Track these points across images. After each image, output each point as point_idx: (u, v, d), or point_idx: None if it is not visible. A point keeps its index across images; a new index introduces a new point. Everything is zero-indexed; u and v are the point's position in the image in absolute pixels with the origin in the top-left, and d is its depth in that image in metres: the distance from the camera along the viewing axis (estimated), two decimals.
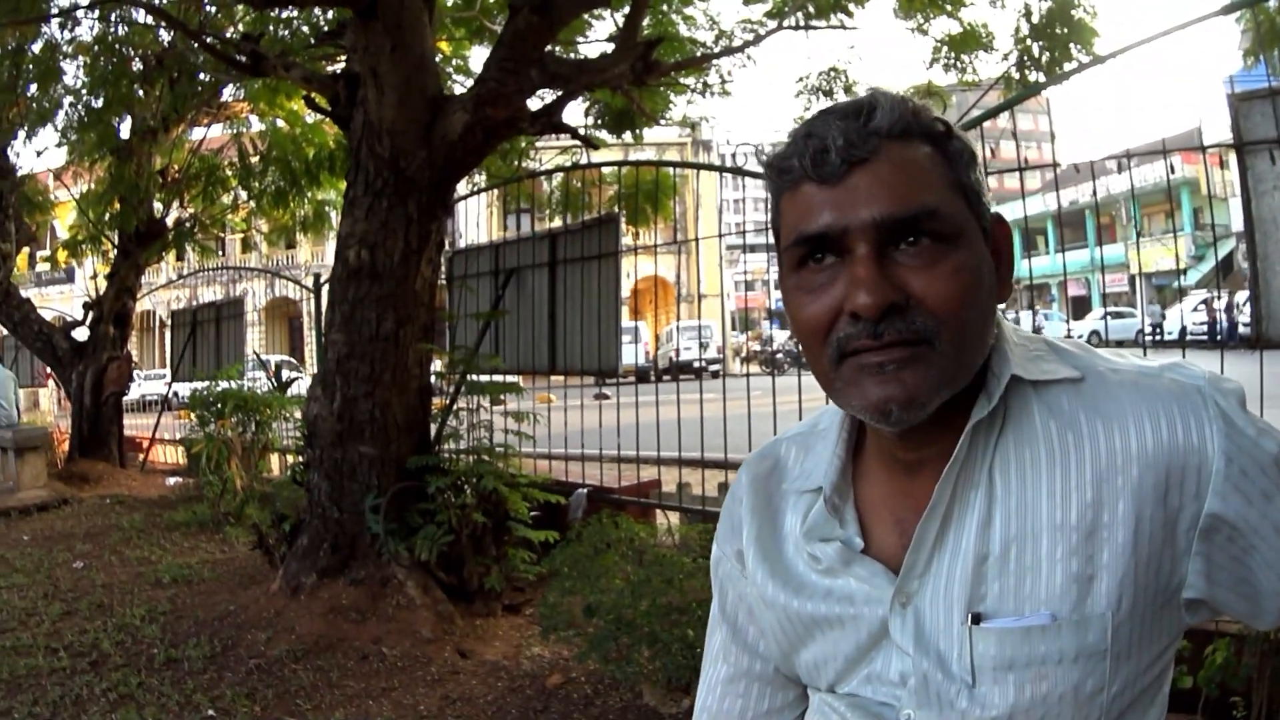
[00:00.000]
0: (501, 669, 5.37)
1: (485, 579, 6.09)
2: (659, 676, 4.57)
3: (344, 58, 7.36)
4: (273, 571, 6.61)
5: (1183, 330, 19.53)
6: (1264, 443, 1.08)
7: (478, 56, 12.49)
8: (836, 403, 1.16)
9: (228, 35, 9.25)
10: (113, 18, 10.18)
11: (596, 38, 9.82)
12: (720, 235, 12.57)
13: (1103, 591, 1.07)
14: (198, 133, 13.51)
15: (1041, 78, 8.17)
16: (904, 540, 1.16)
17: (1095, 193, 5.23)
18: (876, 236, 1.05)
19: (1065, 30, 8.04)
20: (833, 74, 9.70)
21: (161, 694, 5.03)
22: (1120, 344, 25.41)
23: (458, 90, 9.16)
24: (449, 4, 9.37)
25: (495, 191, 10.84)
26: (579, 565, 5.12)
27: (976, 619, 1.11)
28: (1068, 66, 8.03)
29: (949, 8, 8.72)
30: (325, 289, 10.85)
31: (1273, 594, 1.10)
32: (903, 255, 1.06)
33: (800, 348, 1.15)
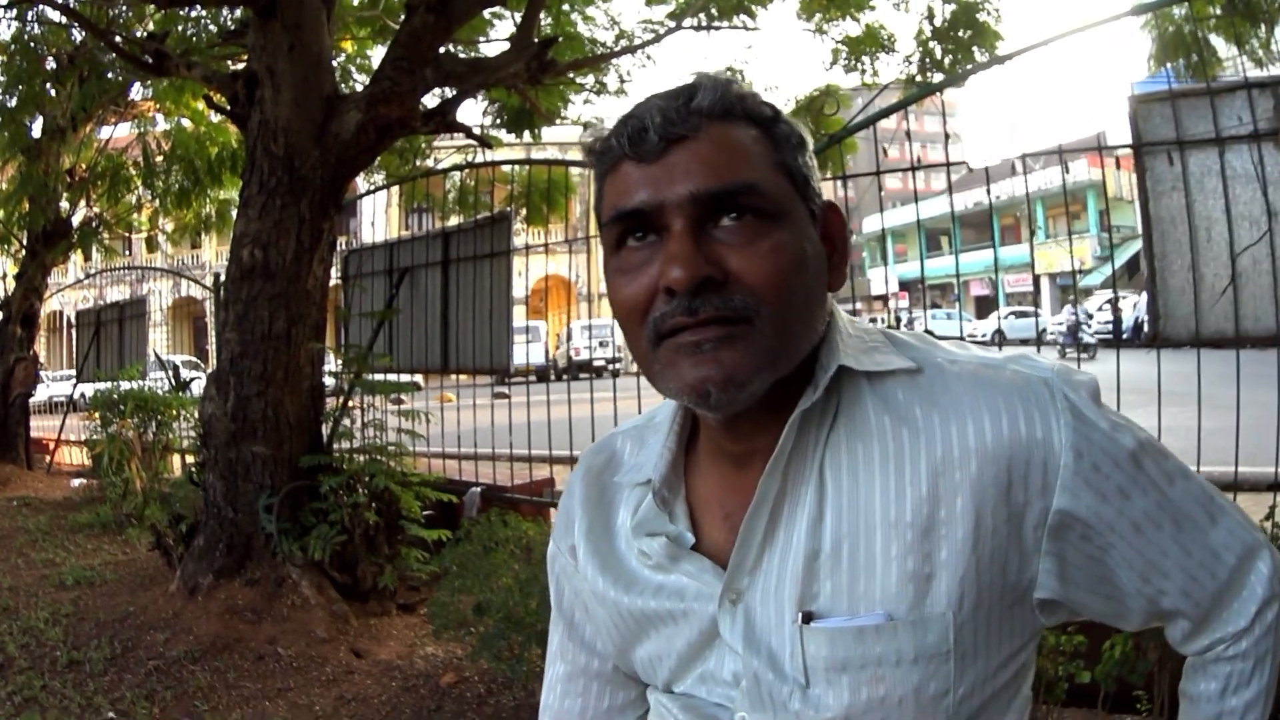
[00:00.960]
0: (395, 668, 5.38)
1: (378, 578, 6.10)
2: None
3: (246, 57, 7.31)
4: (171, 572, 6.55)
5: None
6: (1119, 437, 1.06)
7: (380, 56, 12.50)
8: (656, 388, 1.10)
9: (137, 34, 9.16)
10: (30, 16, 10.07)
11: (498, 36, 9.84)
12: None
13: (942, 590, 1.04)
14: (105, 131, 13.35)
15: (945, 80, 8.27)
16: (734, 536, 1.12)
17: (990, 194, 5.32)
18: (693, 211, 1.02)
19: (968, 33, 8.14)
20: (730, 74, 9.74)
21: (64, 696, 5.03)
22: (1024, 342, 25.85)
23: (360, 90, 9.13)
24: (353, 3, 9.33)
25: (396, 190, 10.76)
26: (468, 564, 5.12)
27: (808, 618, 1.07)
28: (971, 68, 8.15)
29: (851, 9, 8.79)
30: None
31: (1135, 594, 1.10)
32: (722, 232, 1.03)
33: (622, 331, 1.10)
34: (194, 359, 25.12)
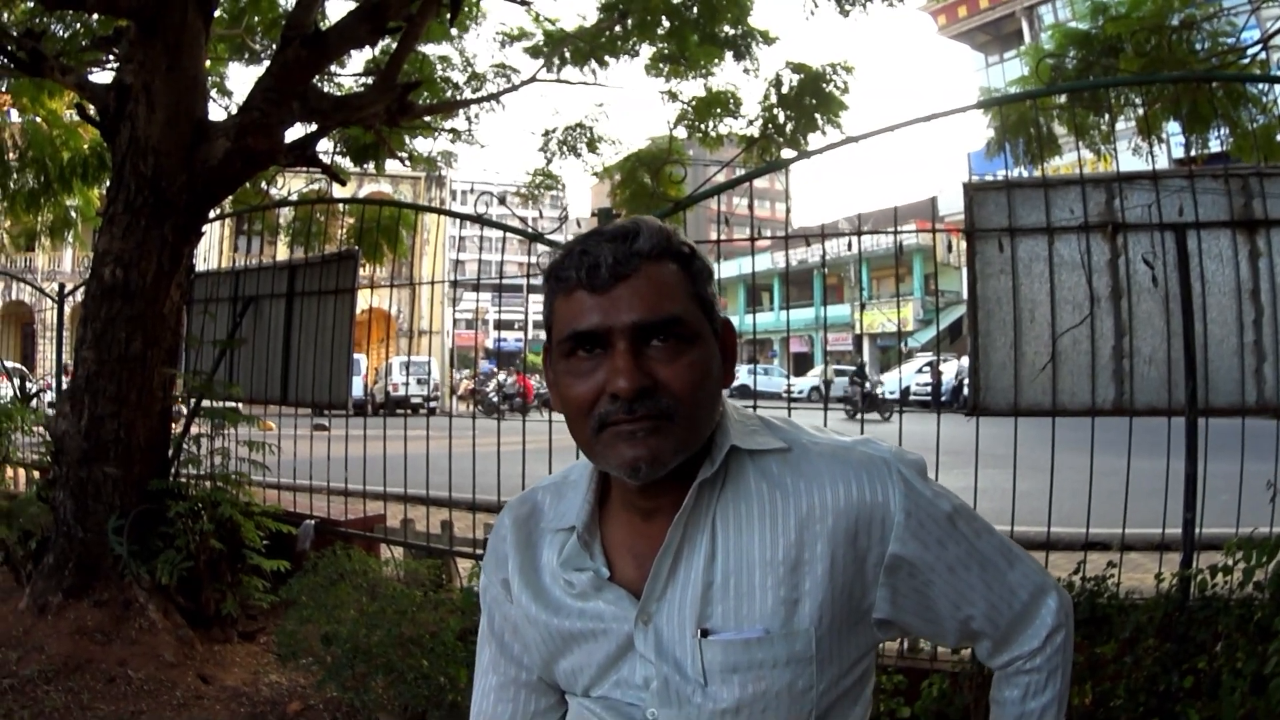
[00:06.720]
0: (243, 695, 5.50)
1: (221, 605, 6.18)
2: (394, 705, 4.79)
3: (114, 64, 7.23)
4: (19, 588, 6.52)
5: (905, 390, 20.79)
6: (939, 502, 1.42)
7: (234, 73, 12.36)
8: (596, 463, 1.44)
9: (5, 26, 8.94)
10: None
11: (354, 69, 9.95)
12: (455, 282, 12.57)
13: (806, 611, 1.38)
14: None
15: (785, 146, 8.61)
16: (642, 572, 1.44)
17: (824, 255, 5.62)
18: (633, 335, 1.33)
19: (814, 101, 8.52)
20: (579, 130, 10.11)
21: None
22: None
23: (214, 107, 9.09)
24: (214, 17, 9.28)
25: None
26: (315, 595, 5.27)
27: (705, 633, 1.39)
28: (813, 136, 8.51)
29: (700, 70, 9.14)
30: (70, 299, 10.46)
31: (950, 618, 1.46)
32: (653, 350, 1.34)
33: (566, 418, 1.42)
34: (21, 367, 23.88)
